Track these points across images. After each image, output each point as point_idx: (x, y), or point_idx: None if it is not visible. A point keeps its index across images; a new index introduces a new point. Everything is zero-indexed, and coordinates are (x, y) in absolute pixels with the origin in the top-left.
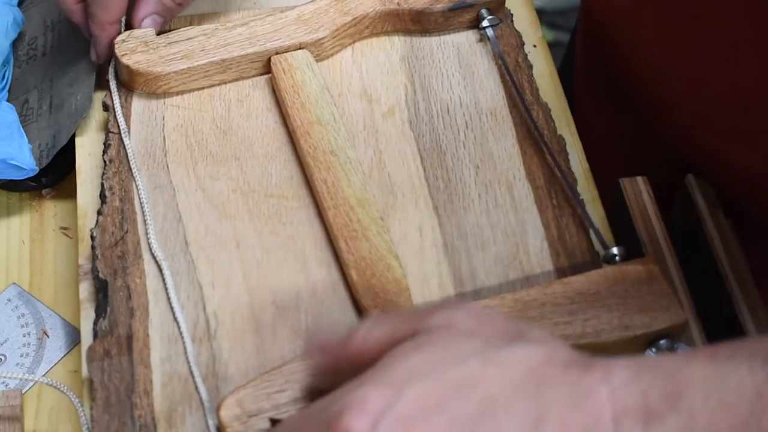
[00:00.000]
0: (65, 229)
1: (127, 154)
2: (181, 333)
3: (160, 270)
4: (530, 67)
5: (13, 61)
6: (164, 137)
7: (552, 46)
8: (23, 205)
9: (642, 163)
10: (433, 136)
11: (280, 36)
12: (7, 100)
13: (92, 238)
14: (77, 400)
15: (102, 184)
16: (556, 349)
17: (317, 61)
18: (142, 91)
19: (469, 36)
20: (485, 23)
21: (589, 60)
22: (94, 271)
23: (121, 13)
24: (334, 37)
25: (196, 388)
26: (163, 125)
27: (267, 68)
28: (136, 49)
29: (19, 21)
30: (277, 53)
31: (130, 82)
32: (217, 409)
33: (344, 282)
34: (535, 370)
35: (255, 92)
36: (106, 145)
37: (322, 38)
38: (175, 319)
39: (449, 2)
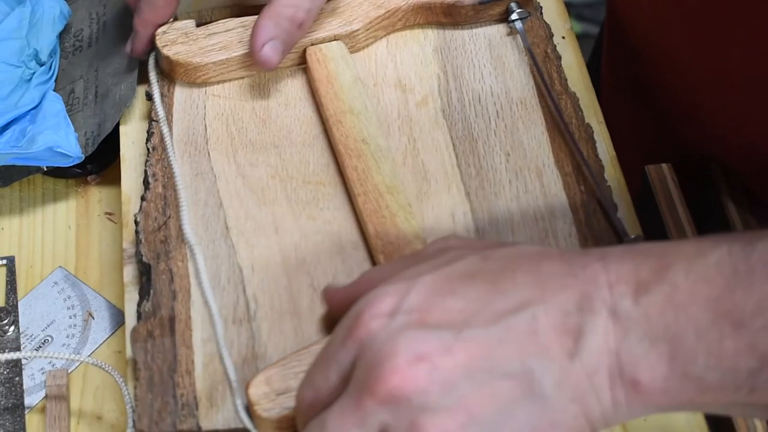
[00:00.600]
0: (110, 214)
1: (169, 141)
2: (211, 315)
3: (193, 254)
4: (559, 58)
5: (60, 53)
6: (205, 125)
7: (580, 37)
8: (69, 191)
9: (665, 152)
10: (465, 125)
11: (315, 28)
12: (54, 90)
13: (136, 223)
14: (121, 379)
15: (145, 171)
16: (547, 247)
17: (351, 52)
18: (183, 81)
19: (500, 28)
20: (514, 16)
21: (615, 55)
22: (138, 255)
23: (169, 16)
24: (368, 29)
25: (225, 370)
26: (205, 114)
27: (302, 59)
28: (177, 40)
29: (66, 14)
30: (312, 45)
31: (170, 72)
32: (246, 387)
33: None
34: (532, 255)
35: (293, 82)
36: (149, 133)
37: (356, 30)
38: (206, 302)
39: None
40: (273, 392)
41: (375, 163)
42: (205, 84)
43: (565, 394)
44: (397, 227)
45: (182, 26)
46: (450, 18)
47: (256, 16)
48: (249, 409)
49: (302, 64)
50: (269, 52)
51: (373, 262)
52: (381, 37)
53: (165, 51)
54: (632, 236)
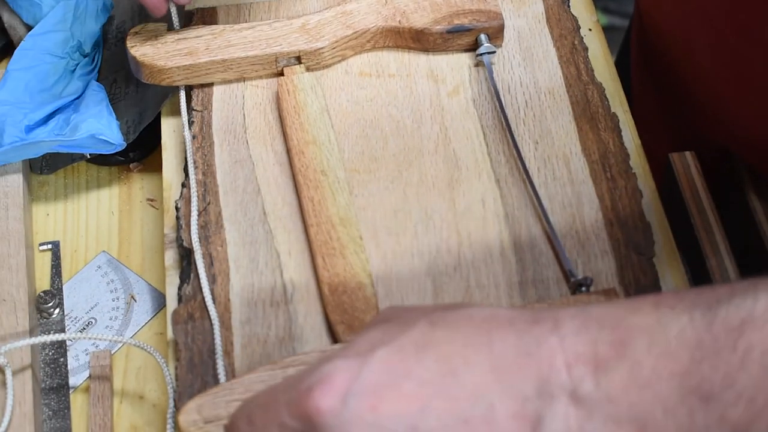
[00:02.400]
0: (151, 200)
1: (210, 130)
2: (204, 297)
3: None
4: (586, 49)
5: (103, 44)
6: (244, 115)
7: (606, 29)
8: (112, 178)
9: (689, 142)
10: (495, 114)
11: (281, 42)
12: (97, 80)
13: (176, 209)
14: (162, 360)
15: (186, 159)
16: (497, 308)
17: (316, 69)
18: (148, 81)
19: (529, 20)
20: (482, 50)
21: (642, 51)
22: (179, 239)
23: None
24: (333, 48)
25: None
26: (243, 103)
27: (268, 70)
28: (146, 41)
29: (109, 6)
30: (276, 58)
31: (137, 72)
32: (177, 414)
33: (414, 250)
34: (480, 325)
35: (329, 73)
36: (190, 122)
37: (321, 48)
38: (201, 289)
39: (449, 24)
40: (201, 419)
41: (331, 195)
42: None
43: None
44: (346, 259)
45: (154, 29)
46: (418, 44)
47: (225, 26)
48: None
49: (269, 76)
50: None
51: (413, 245)
52: (348, 57)
53: (132, 51)
54: (579, 277)
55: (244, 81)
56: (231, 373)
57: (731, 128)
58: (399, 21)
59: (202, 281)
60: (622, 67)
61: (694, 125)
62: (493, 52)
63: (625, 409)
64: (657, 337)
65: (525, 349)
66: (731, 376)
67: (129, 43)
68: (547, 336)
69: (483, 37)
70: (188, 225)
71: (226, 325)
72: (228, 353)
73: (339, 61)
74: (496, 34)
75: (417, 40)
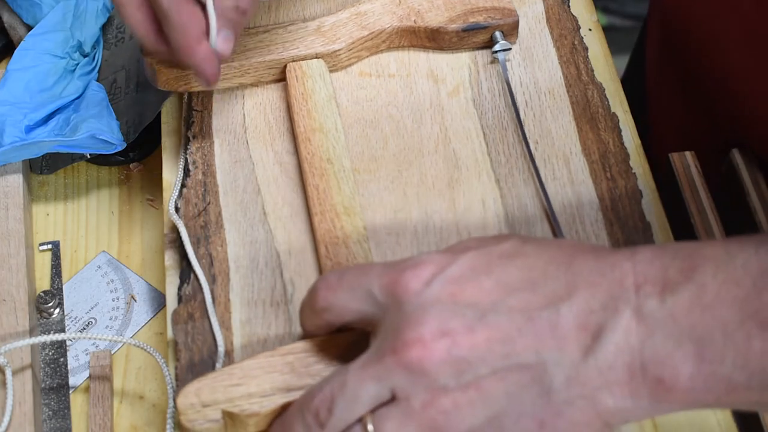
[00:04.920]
0: (151, 200)
1: (210, 130)
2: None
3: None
4: (586, 49)
5: (103, 44)
6: (244, 115)
7: (606, 29)
8: (112, 178)
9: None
10: (495, 114)
11: (298, 45)
12: (97, 81)
13: (177, 209)
14: (162, 360)
15: (186, 159)
16: (584, 243)
17: (333, 71)
18: (165, 88)
19: (529, 20)
20: (497, 47)
21: (664, 51)
22: (179, 240)
23: (202, 26)
24: (350, 49)
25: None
26: (243, 103)
27: (284, 75)
28: None
29: (109, 6)
30: (293, 61)
31: (153, 80)
32: (176, 396)
33: (414, 250)
34: (566, 249)
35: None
36: (190, 122)
37: (338, 50)
38: (197, 279)
39: (464, 23)
40: (200, 403)
41: (336, 184)
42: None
43: (573, 389)
44: (349, 248)
45: None
46: (434, 43)
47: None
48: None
49: (283, 79)
50: (222, 45)
51: (415, 250)
52: (364, 58)
53: (149, 58)
54: None
55: (259, 85)
56: None
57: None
58: (414, 21)
59: (201, 281)
60: (635, 70)
61: (719, 123)
62: (509, 49)
63: (687, 329)
64: (723, 265)
65: (600, 270)
66: None
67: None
68: (623, 261)
69: (498, 34)
70: (188, 225)
71: (226, 325)
72: (228, 353)
73: (355, 62)
74: (511, 31)
75: (432, 39)
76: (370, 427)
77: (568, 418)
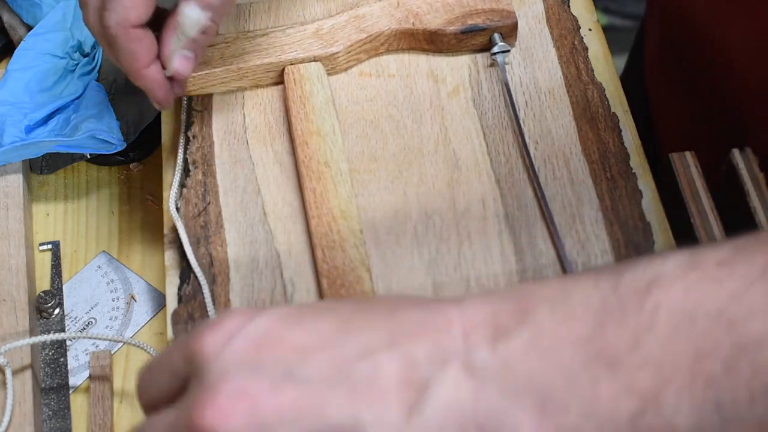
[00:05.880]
0: (152, 199)
1: (210, 130)
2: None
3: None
4: (586, 49)
5: None
6: (244, 115)
7: (606, 29)
8: (112, 178)
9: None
10: (495, 114)
11: (296, 48)
12: (97, 80)
13: (177, 209)
14: None
15: (186, 159)
16: (410, 296)
17: (331, 74)
18: None
19: (529, 20)
20: (496, 49)
21: (666, 50)
22: (179, 240)
23: (152, 51)
24: (348, 52)
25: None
26: (243, 103)
27: (282, 78)
28: None
29: None
30: (291, 64)
31: None
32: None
33: (414, 250)
34: (388, 300)
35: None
36: (190, 123)
37: (336, 53)
38: (197, 279)
39: (463, 25)
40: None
41: (333, 187)
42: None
43: None
44: (345, 252)
45: None
46: (433, 45)
47: (239, 33)
48: None
49: (281, 82)
50: (181, 64)
51: (413, 249)
52: (363, 60)
53: None
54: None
55: (257, 88)
56: None
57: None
58: (412, 23)
59: (201, 281)
60: (633, 69)
61: (719, 123)
62: (507, 51)
63: (524, 378)
64: (560, 303)
65: (424, 319)
66: (637, 338)
67: None
68: (449, 308)
69: (496, 36)
70: (188, 225)
71: None
72: None
73: (354, 65)
74: (510, 32)
75: (431, 42)
76: None
77: None
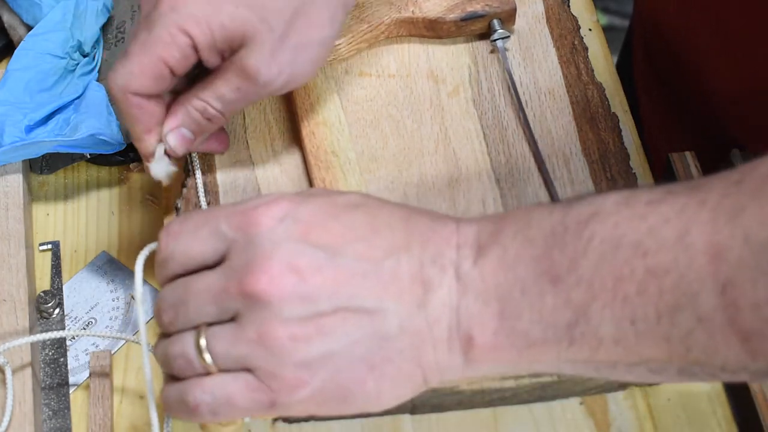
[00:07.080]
0: (152, 198)
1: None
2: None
3: None
4: (586, 49)
5: (103, 44)
6: (244, 115)
7: (606, 29)
8: (112, 178)
9: (695, 142)
10: (495, 114)
11: None
12: (97, 80)
13: (177, 209)
14: None
15: (185, 159)
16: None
17: (333, 64)
18: None
19: (529, 20)
20: (496, 36)
21: (645, 51)
22: None
23: (154, 118)
24: (350, 42)
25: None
26: None
27: None
28: None
29: (109, 6)
30: None
31: None
32: None
33: None
34: (405, 207)
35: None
36: None
37: (338, 44)
38: None
39: (462, 12)
40: None
41: (342, 176)
42: None
43: (405, 338)
44: None
45: None
46: (432, 32)
47: None
48: None
49: None
50: (175, 140)
51: None
52: (363, 50)
53: None
54: None
55: None
56: None
57: (738, 120)
58: (412, 11)
59: None
60: (624, 68)
61: (700, 121)
62: (507, 37)
63: (492, 289)
64: (523, 227)
65: (432, 227)
66: (575, 261)
67: None
68: (451, 222)
69: (496, 22)
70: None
71: None
72: None
73: (355, 54)
74: (509, 18)
75: (431, 29)
76: (202, 341)
77: (397, 366)
